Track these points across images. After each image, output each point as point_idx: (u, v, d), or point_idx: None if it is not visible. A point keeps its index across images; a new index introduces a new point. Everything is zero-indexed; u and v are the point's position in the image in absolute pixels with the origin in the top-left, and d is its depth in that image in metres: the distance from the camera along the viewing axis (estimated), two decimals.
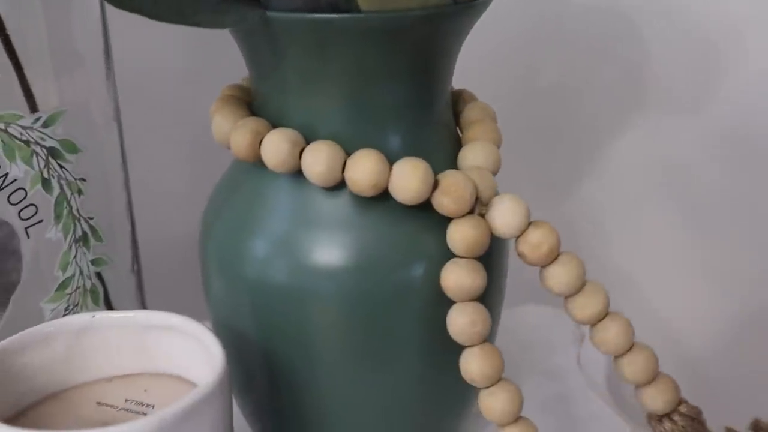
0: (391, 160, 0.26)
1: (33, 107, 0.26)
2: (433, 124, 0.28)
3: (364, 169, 0.25)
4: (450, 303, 0.26)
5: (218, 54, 0.38)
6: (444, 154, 0.28)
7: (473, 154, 0.28)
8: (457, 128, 0.30)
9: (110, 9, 0.27)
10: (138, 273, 0.32)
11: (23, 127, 0.26)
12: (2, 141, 0.25)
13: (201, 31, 0.26)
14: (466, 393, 0.31)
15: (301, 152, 0.26)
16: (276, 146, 0.25)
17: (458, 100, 0.31)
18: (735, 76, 0.46)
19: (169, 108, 0.42)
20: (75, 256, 0.28)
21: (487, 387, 0.26)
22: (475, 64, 0.33)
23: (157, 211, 0.38)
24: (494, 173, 0.27)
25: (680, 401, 0.27)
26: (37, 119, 0.26)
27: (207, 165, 0.37)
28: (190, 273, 0.35)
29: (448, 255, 0.26)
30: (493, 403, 0.25)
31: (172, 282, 0.35)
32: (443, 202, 0.25)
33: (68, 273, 0.28)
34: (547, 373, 0.40)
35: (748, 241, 0.49)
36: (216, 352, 0.24)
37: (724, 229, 0.50)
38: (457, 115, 0.30)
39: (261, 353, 0.29)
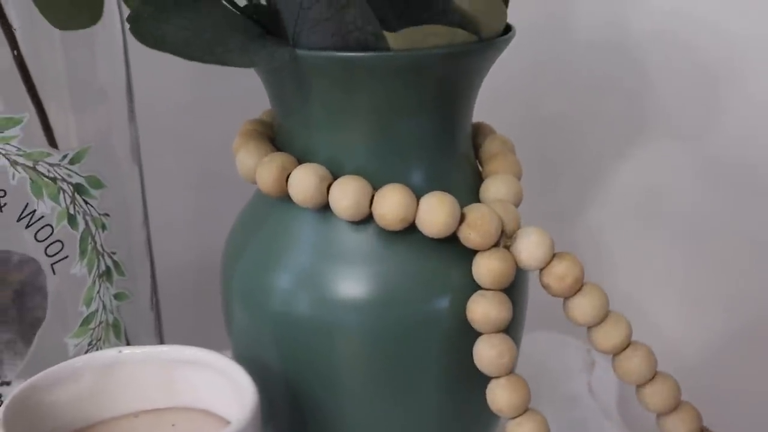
0: (417, 194, 0.26)
1: (52, 143, 0.26)
2: (455, 157, 0.28)
3: (392, 203, 0.25)
4: (473, 335, 0.26)
5: (233, 86, 0.38)
6: (466, 188, 0.28)
7: (495, 187, 0.28)
8: (477, 161, 0.31)
9: (132, 45, 0.27)
10: (157, 307, 0.32)
11: (51, 165, 0.26)
12: (31, 179, 0.25)
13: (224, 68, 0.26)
14: (487, 425, 0.31)
15: (328, 187, 0.26)
16: (304, 181, 0.26)
17: (477, 133, 0.31)
18: (735, 107, 0.47)
19: (183, 141, 0.43)
20: (99, 291, 0.28)
21: (515, 417, 0.26)
22: (480, 97, 0.33)
23: (171, 244, 0.38)
24: (516, 205, 0.28)
25: (702, 429, 0.28)
26: (65, 156, 0.26)
27: (220, 197, 0.37)
28: (205, 305, 0.35)
29: (473, 287, 0.26)
30: None
31: (188, 315, 0.35)
32: (470, 236, 0.26)
33: (92, 308, 0.28)
34: (560, 400, 0.40)
35: (750, 265, 0.50)
36: (247, 386, 0.24)
37: (726, 254, 0.50)
38: (476, 148, 0.31)
39: (284, 385, 0.29)
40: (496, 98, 0.44)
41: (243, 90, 0.35)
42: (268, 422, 0.30)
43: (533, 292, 0.41)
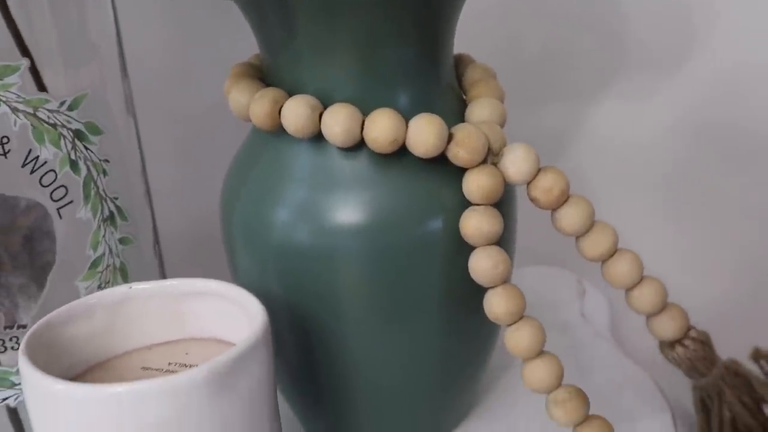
0: (405, 118, 0.27)
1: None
2: (440, 85, 0.29)
3: (382, 126, 0.26)
4: (468, 252, 0.28)
5: (221, 50, 0.39)
6: (452, 114, 0.29)
7: (480, 110, 0.29)
8: (461, 91, 0.32)
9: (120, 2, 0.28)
10: (159, 253, 0.33)
11: (50, 111, 0.27)
12: (32, 125, 0.26)
13: (208, 21, 0.27)
14: (487, 340, 0.32)
15: (320, 117, 0.27)
16: (296, 111, 0.27)
17: (459, 63, 0.32)
18: (711, 38, 0.48)
19: (176, 94, 0.43)
20: (104, 235, 0.29)
21: (512, 324, 0.27)
22: (461, 37, 0.34)
23: (169, 196, 0.39)
24: (501, 126, 0.29)
25: (689, 327, 0.29)
26: (62, 103, 0.27)
27: (214, 153, 0.38)
28: (204, 254, 0.36)
29: (465, 205, 0.28)
30: (518, 339, 0.27)
31: (188, 263, 0.36)
32: (458, 154, 0.27)
33: (99, 252, 0.29)
34: (554, 328, 0.41)
35: (729, 194, 0.51)
36: (255, 309, 0.25)
37: (706, 188, 0.52)
38: (459, 78, 0.32)
39: (289, 316, 0.30)
40: (476, 38, 0.45)
41: (231, 52, 0.36)
42: (277, 356, 0.32)
43: (524, 231, 0.42)
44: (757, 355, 0.36)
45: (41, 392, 0.22)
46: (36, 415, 0.23)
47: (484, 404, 0.36)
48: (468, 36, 0.34)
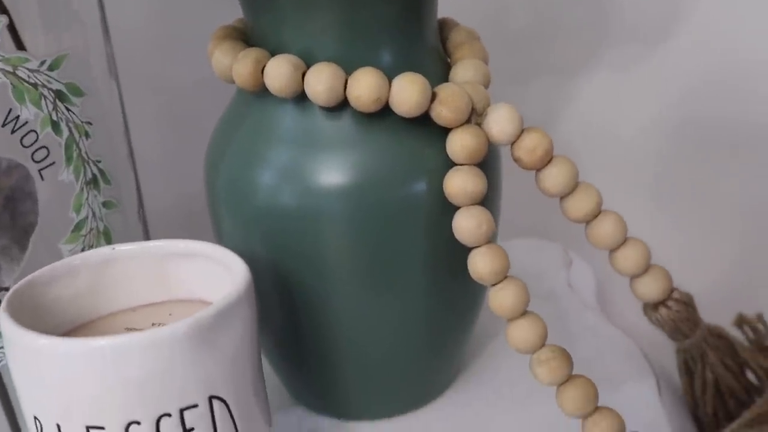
0: (389, 78, 0.27)
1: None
2: (424, 46, 0.29)
3: (365, 84, 0.26)
4: (452, 212, 0.28)
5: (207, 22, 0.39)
6: (436, 75, 0.29)
7: (463, 71, 0.29)
8: (446, 55, 0.32)
9: None
10: (144, 219, 0.33)
11: (30, 70, 0.26)
12: (12, 84, 0.26)
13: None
14: (473, 304, 0.32)
15: (303, 76, 0.27)
16: (278, 70, 0.27)
17: (443, 27, 0.32)
18: (695, 10, 0.48)
19: (161, 61, 0.43)
20: (87, 198, 0.29)
21: (496, 284, 0.27)
22: (448, 11, 0.34)
23: (154, 162, 0.39)
24: (486, 86, 0.29)
25: (673, 289, 0.29)
26: (43, 62, 0.27)
27: (199, 118, 0.37)
28: (189, 220, 0.36)
29: (449, 166, 0.28)
30: (502, 298, 0.27)
31: (173, 228, 0.36)
32: (442, 113, 0.27)
33: (82, 215, 0.29)
34: (540, 297, 0.41)
35: (713, 163, 0.51)
36: (238, 267, 0.25)
37: (690, 156, 0.52)
38: (443, 42, 0.32)
39: (274, 278, 0.30)
40: (462, 11, 0.45)
41: (216, 18, 0.36)
42: (264, 321, 0.32)
43: (512, 201, 0.42)
44: (740, 321, 0.36)
45: (24, 349, 0.22)
46: (19, 373, 0.23)
47: (471, 370, 0.36)
48: (454, 9, 0.34)
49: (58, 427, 0.22)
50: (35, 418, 0.23)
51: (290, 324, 0.31)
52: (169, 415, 0.22)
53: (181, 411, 0.22)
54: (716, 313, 0.36)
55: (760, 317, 0.36)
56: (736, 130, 0.49)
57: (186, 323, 0.22)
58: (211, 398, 0.23)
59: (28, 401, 0.23)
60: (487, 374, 0.35)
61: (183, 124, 0.43)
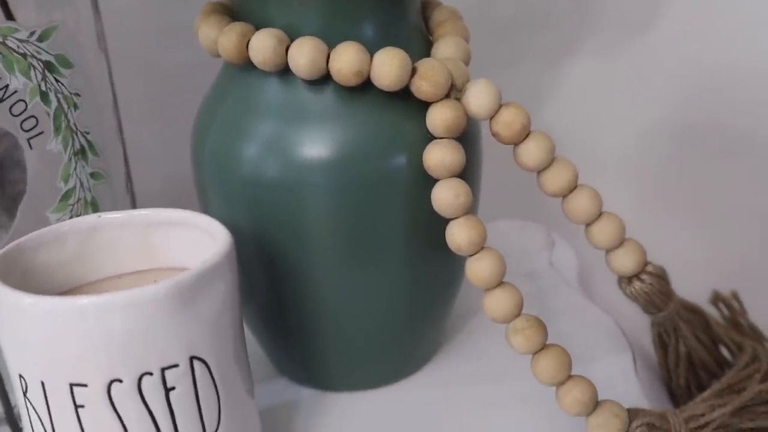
0: (370, 53, 0.27)
1: None
2: (406, 24, 0.30)
3: (347, 58, 0.27)
4: (432, 186, 0.28)
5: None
6: (418, 52, 0.30)
7: (444, 48, 0.30)
8: (428, 34, 0.32)
9: None
10: (132, 192, 0.33)
11: (20, 41, 0.27)
12: (2, 54, 0.27)
13: None
14: (452, 277, 0.33)
15: (287, 50, 0.28)
16: (262, 43, 0.27)
17: (426, 7, 0.33)
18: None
19: (151, 35, 0.44)
20: (75, 169, 0.29)
21: (474, 254, 0.28)
22: None
23: (143, 139, 0.40)
24: (466, 63, 0.30)
25: (646, 262, 0.30)
26: (32, 33, 0.27)
27: (188, 95, 0.38)
28: (180, 202, 0.36)
29: (429, 140, 0.28)
30: (479, 268, 0.28)
31: (160, 202, 0.37)
32: (422, 87, 0.27)
33: (70, 185, 0.29)
34: (522, 275, 0.42)
35: (697, 150, 0.52)
36: (220, 233, 0.26)
37: (675, 143, 0.52)
38: (426, 21, 0.32)
39: (258, 249, 0.31)
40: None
41: None
42: (248, 292, 0.32)
43: (498, 183, 0.43)
44: (716, 299, 0.37)
45: (11, 308, 0.23)
46: (5, 333, 0.24)
47: (451, 345, 0.37)
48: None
49: (43, 384, 0.23)
50: (20, 376, 0.24)
51: (274, 296, 0.32)
52: (150, 373, 0.23)
53: (163, 370, 0.23)
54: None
55: (734, 295, 0.37)
56: (722, 112, 0.50)
57: (167, 284, 0.23)
58: (191, 359, 0.24)
59: (14, 360, 0.24)
60: (466, 349, 0.36)
61: (173, 107, 0.44)
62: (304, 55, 0.27)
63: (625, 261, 0.30)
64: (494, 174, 0.51)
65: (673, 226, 0.53)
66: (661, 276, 0.30)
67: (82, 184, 0.30)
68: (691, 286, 0.36)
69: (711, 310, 0.36)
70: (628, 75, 0.51)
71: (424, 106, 0.28)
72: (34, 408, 0.24)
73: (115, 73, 0.33)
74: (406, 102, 0.28)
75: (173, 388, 0.23)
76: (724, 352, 0.34)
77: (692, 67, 0.50)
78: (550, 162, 0.29)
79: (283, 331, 0.33)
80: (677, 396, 0.34)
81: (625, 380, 0.33)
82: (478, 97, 0.28)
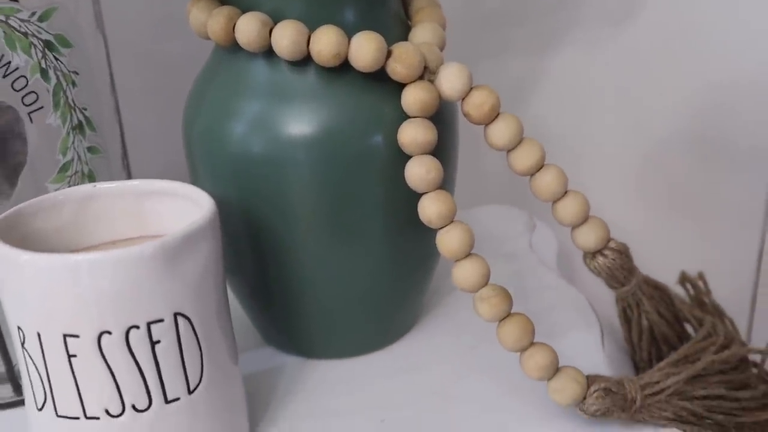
0: (349, 36, 0.29)
1: None
2: (385, 10, 0.32)
3: (326, 40, 0.29)
4: (406, 162, 0.30)
5: None
6: (396, 37, 0.32)
7: (421, 33, 0.31)
8: (408, 21, 0.34)
9: None
10: (128, 167, 0.35)
11: (21, 20, 0.29)
12: (4, 32, 0.28)
13: None
14: (428, 252, 0.35)
15: (270, 32, 0.29)
16: (248, 26, 0.29)
17: None
18: None
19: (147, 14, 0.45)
20: (73, 142, 0.31)
21: (443, 227, 0.30)
22: None
23: (142, 133, 0.42)
24: (441, 48, 0.31)
25: (609, 239, 0.32)
26: (33, 13, 0.29)
27: (180, 75, 0.40)
28: (171, 174, 0.38)
29: (404, 120, 0.30)
30: (448, 240, 0.29)
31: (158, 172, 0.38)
32: (396, 69, 0.29)
33: (68, 157, 0.31)
34: (502, 256, 0.44)
35: (680, 139, 0.54)
36: (205, 201, 0.28)
37: (659, 133, 0.54)
38: (406, 8, 0.34)
39: (245, 224, 0.32)
40: None
41: None
42: (235, 264, 0.34)
43: (488, 170, 0.44)
44: (683, 279, 0.39)
45: (9, 264, 0.25)
46: (5, 288, 0.26)
47: (428, 318, 0.38)
48: None
49: (39, 335, 0.25)
50: (18, 328, 0.26)
51: (259, 267, 0.34)
52: (137, 327, 0.25)
53: (149, 324, 0.25)
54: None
55: (701, 276, 0.38)
56: (705, 98, 0.51)
57: (154, 244, 0.25)
58: (176, 315, 0.26)
59: (13, 313, 0.26)
60: (443, 323, 0.38)
61: (168, 90, 0.46)
62: (286, 37, 0.29)
63: (589, 237, 0.31)
64: (485, 162, 0.52)
65: (654, 212, 0.55)
66: (623, 252, 0.32)
67: (79, 157, 0.32)
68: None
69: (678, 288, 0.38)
70: (612, 66, 0.53)
71: (400, 87, 0.30)
72: (31, 358, 0.26)
73: (113, 57, 0.35)
74: (384, 83, 0.30)
75: (159, 342, 0.25)
76: (690, 330, 0.36)
77: (673, 58, 0.52)
78: (518, 142, 0.30)
79: (267, 301, 0.35)
80: (641, 369, 0.36)
81: (591, 353, 0.35)
82: (450, 80, 0.29)
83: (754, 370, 0.34)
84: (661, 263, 0.41)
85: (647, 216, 0.55)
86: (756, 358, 0.36)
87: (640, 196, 0.55)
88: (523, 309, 0.30)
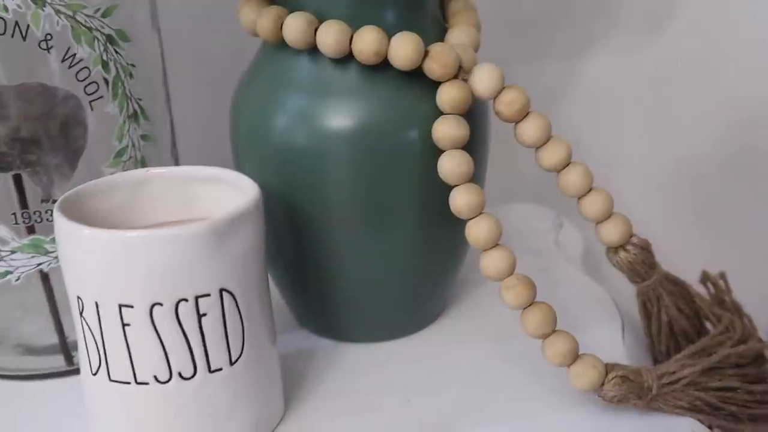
0: (389, 36, 0.31)
1: None
2: (424, 13, 0.34)
3: (368, 40, 0.31)
4: (439, 156, 0.32)
5: None
6: (433, 38, 0.33)
7: (457, 34, 0.33)
8: (445, 23, 0.36)
9: None
10: (176, 155, 0.38)
11: (87, 16, 0.31)
12: (71, 26, 0.31)
13: None
14: (457, 241, 0.36)
15: (315, 31, 0.31)
16: (294, 25, 0.31)
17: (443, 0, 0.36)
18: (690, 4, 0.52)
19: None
20: (128, 130, 0.34)
21: (473, 218, 0.31)
22: None
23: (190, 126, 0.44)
24: (475, 49, 0.33)
25: (631, 234, 0.33)
26: (97, 10, 0.31)
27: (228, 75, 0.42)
28: (214, 156, 0.40)
29: (438, 116, 0.32)
30: (477, 230, 0.31)
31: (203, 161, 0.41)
32: (432, 68, 0.31)
33: (123, 143, 0.34)
34: (529, 252, 0.45)
35: (709, 151, 0.55)
36: (250, 187, 0.30)
37: (688, 142, 0.55)
38: (443, 12, 0.36)
39: (286, 211, 0.34)
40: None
41: None
42: (276, 249, 0.36)
43: (517, 170, 0.46)
44: (705, 278, 0.40)
45: (72, 238, 0.27)
46: (67, 260, 0.28)
47: (456, 307, 0.40)
48: None
49: (96, 304, 0.27)
50: (78, 297, 0.28)
51: (297, 254, 0.36)
52: (186, 300, 0.27)
53: (196, 298, 0.27)
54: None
55: (722, 275, 0.39)
56: (737, 111, 0.52)
57: (204, 224, 0.27)
58: (221, 290, 0.28)
59: (73, 284, 0.28)
60: (470, 311, 0.40)
61: (217, 89, 0.48)
62: (330, 35, 0.31)
63: (612, 232, 0.33)
64: (519, 162, 0.54)
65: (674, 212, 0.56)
66: (645, 248, 0.33)
67: (133, 144, 0.34)
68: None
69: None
70: (645, 73, 0.54)
71: (436, 85, 0.32)
72: (88, 326, 0.28)
73: (167, 52, 0.37)
74: (420, 81, 0.32)
75: (205, 315, 0.27)
76: (709, 327, 0.37)
77: (705, 68, 0.53)
78: (546, 140, 0.32)
79: (304, 287, 0.37)
80: (660, 363, 0.37)
81: (612, 346, 0.37)
82: (483, 79, 0.31)
83: None
84: (686, 268, 0.42)
85: (675, 221, 0.56)
86: None
87: (668, 202, 0.56)
88: (548, 301, 0.32)
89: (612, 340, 0.37)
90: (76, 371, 0.35)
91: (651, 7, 0.53)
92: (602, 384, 0.31)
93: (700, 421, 0.32)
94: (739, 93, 0.53)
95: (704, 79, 0.53)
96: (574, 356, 0.31)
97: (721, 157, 0.55)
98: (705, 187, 0.56)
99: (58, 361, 0.35)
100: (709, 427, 0.32)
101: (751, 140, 0.54)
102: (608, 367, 0.31)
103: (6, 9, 0.30)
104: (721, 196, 0.56)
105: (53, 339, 0.35)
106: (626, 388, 0.31)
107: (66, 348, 0.35)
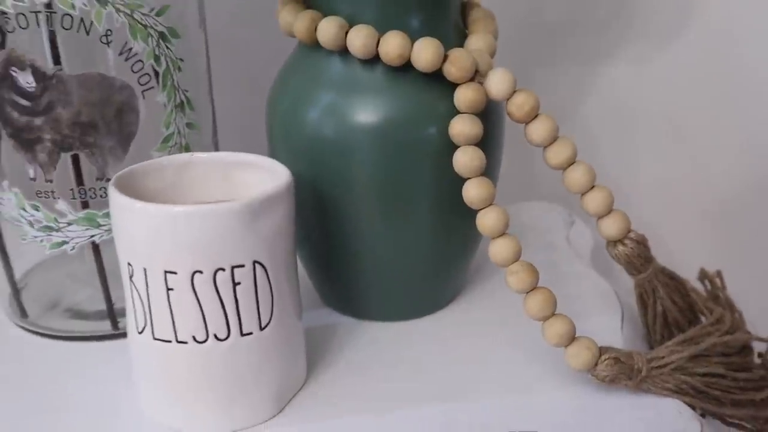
0: (412, 40, 0.34)
1: None
2: (447, 20, 0.37)
3: (393, 43, 0.34)
4: (455, 150, 0.35)
5: None
6: (454, 44, 0.37)
7: (475, 41, 0.36)
8: (466, 30, 0.39)
9: None
10: (216, 143, 0.41)
11: (143, 14, 0.35)
12: (129, 23, 0.35)
13: None
14: (471, 228, 0.40)
15: (346, 34, 0.35)
16: (327, 28, 0.34)
17: (466, 6, 0.39)
18: (708, 11, 0.54)
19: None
20: (175, 118, 0.37)
21: (483, 208, 0.34)
22: (490, 3, 0.41)
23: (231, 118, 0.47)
24: (491, 55, 0.36)
25: (629, 230, 0.36)
26: (152, 9, 0.35)
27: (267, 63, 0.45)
28: (250, 145, 0.43)
29: (455, 115, 0.35)
30: (486, 219, 0.34)
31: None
32: (450, 70, 0.34)
33: (170, 130, 0.37)
34: (540, 247, 0.48)
35: (723, 153, 0.57)
36: (282, 171, 0.33)
37: (702, 148, 0.58)
38: (464, 19, 0.39)
39: (315, 198, 0.38)
40: (499, 6, 0.52)
41: None
42: (301, 229, 0.40)
43: (532, 171, 0.49)
44: (703, 276, 0.42)
45: (125, 210, 0.31)
46: (120, 230, 0.32)
47: (470, 292, 0.43)
48: (491, 3, 0.41)
49: (144, 270, 0.31)
50: (128, 263, 0.31)
51: (324, 237, 0.39)
52: (223, 269, 0.30)
53: (233, 268, 0.31)
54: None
55: (718, 273, 0.42)
56: (745, 106, 0.54)
57: (240, 202, 0.30)
58: (254, 262, 0.31)
59: (124, 251, 0.32)
60: (483, 297, 0.43)
61: (255, 84, 0.52)
62: (359, 38, 0.34)
63: (611, 227, 0.36)
64: (534, 163, 0.57)
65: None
66: (642, 242, 0.36)
67: (179, 131, 0.38)
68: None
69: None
70: (661, 83, 0.56)
71: (453, 87, 0.35)
72: (136, 289, 0.31)
73: (212, 49, 0.41)
74: (440, 83, 0.35)
75: (239, 283, 0.31)
76: (704, 321, 0.40)
77: (720, 81, 0.55)
78: (553, 139, 0.35)
79: (328, 267, 0.40)
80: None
81: (610, 334, 0.40)
82: (496, 82, 0.34)
83: (758, 360, 0.38)
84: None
85: (686, 230, 0.58)
86: (762, 349, 0.39)
87: (683, 207, 0.59)
88: (556, 293, 0.34)
89: (611, 329, 0.40)
90: (121, 335, 0.39)
91: (670, 17, 0.55)
92: (596, 364, 0.34)
93: (685, 403, 0.35)
94: (760, 100, 0.55)
95: (721, 88, 0.56)
96: (571, 338, 0.34)
97: (740, 166, 0.57)
98: (725, 193, 0.58)
99: (105, 326, 0.39)
100: (693, 408, 0.35)
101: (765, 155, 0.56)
102: (602, 350, 0.34)
103: (74, 6, 0.33)
104: (740, 202, 0.58)
105: (101, 306, 0.39)
106: (618, 369, 0.34)
107: (113, 314, 0.39)
